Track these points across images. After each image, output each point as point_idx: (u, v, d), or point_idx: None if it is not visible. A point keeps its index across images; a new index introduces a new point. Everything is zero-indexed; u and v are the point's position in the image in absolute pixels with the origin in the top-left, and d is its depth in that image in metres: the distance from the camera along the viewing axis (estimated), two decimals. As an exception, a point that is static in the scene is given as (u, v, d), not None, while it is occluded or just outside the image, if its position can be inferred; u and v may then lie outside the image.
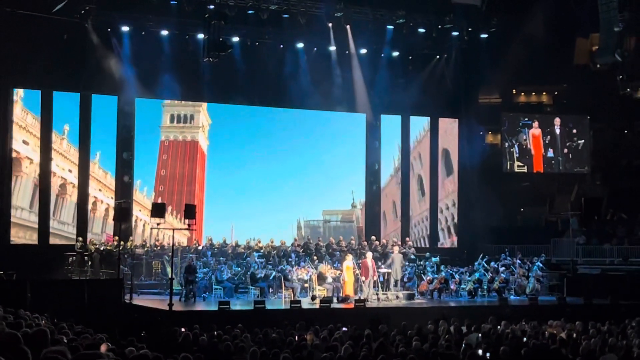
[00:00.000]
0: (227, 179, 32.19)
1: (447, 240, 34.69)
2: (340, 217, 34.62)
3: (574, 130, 36.74)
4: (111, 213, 29.12)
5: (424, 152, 34.61)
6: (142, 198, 30.56)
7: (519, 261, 28.91)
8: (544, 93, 41.66)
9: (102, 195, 29.65)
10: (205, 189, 31.99)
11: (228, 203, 31.91)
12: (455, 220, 34.64)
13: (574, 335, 16.97)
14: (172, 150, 31.61)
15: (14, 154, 27.90)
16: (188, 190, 31.68)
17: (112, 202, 29.18)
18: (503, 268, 28.22)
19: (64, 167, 28.93)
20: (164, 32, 28.93)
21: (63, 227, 28.75)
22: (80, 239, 27.04)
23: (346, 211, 34.57)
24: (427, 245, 33.71)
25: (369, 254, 25.51)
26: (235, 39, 29.20)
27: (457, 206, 34.29)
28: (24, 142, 28.20)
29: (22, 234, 28.04)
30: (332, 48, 31.18)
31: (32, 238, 27.99)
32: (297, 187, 33.03)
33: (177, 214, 30.81)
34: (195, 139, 31.93)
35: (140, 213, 30.37)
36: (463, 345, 14.45)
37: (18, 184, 28.14)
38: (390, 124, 34.03)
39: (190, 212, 22.55)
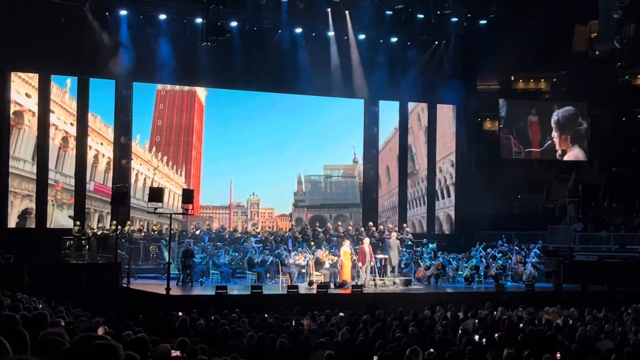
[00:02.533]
0: (225, 132, 31.80)
1: (447, 200, 34.46)
2: (342, 172, 34.29)
3: (572, 117, 36.63)
4: (100, 160, 29.10)
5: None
6: (140, 150, 30.19)
7: (516, 248, 28.98)
8: (543, 80, 41.68)
9: (90, 141, 29.17)
10: (203, 141, 31.59)
11: (227, 157, 31.59)
12: (450, 183, 34.61)
13: (570, 321, 17.06)
14: (168, 99, 31.18)
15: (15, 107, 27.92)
16: (185, 141, 31.26)
17: (101, 149, 29.16)
18: (500, 255, 28.30)
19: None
20: (162, 16, 28.76)
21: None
22: (78, 222, 26.99)
23: (348, 166, 34.19)
24: (427, 203, 33.93)
25: (366, 240, 25.56)
26: (234, 24, 29.01)
27: (455, 192, 34.22)
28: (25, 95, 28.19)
29: (17, 184, 27.85)
30: (331, 33, 31.04)
31: (28, 188, 27.84)
32: (298, 141, 32.74)
33: (174, 165, 30.65)
34: (192, 88, 31.56)
35: (134, 162, 29.95)
36: (459, 331, 14.50)
37: (20, 136, 28.05)
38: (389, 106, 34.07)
39: (188, 196, 22.54)
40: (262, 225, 31.99)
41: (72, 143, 28.81)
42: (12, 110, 27.81)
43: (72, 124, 28.86)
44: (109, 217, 28.61)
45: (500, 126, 36.22)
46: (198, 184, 30.63)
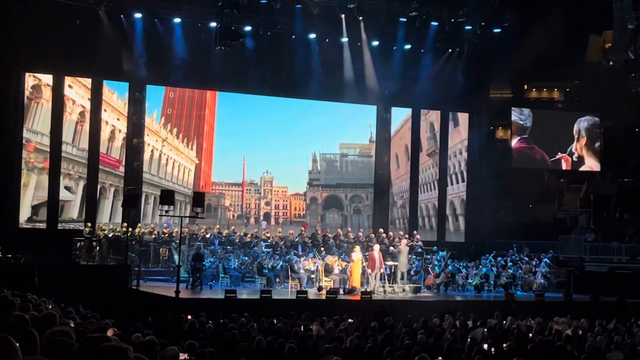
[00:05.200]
0: (239, 107, 31.50)
1: (456, 186, 34.33)
2: (358, 152, 34.10)
3: (592, 127, 36.49)
4: (104, 128, 29.07)
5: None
6: (148, 119, 29.93)
7: (526, 257, 28.90)
8: (556, 89, 41.54)
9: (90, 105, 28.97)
10: (216, 116, 31.32)
11: (240, 133, 31.33)
12: (461, 169, 34.48)
13: (580, 332, 16.99)
14: None
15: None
16: (198, 114, 31.01)
17: (104, 116, 28.96)
18: (510, 264, 28.23)
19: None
20: (177, 20, 28.88)
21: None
22: (89, 224, 27.09)
23: (364, 145, 34.03)
24: (437, 188, 34.00)
25: (376, 247, 25.55)
26: (248, 28, 29.08)
27: (466, 200, 34.21)
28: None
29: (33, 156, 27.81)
30: (344, 39, 31.05)
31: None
32: (313, 119, 32.49)
33: (184, 139, 30.47)
34: None
35: (148, 138, 29.96)
36: (468, 339, 14.46)
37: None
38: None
39: (199, 200, 22.56)
40: (276, 203, 31.84)
41: (70, 107, 28.61)
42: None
43: (70, 87, 28.66)
44: (112, 190, 28.77)
45: (525, 136, 35.92)
46: (210, 159, 30.43)
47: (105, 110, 29.14)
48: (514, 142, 35.98)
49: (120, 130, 29.41)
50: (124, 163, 29.25)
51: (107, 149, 29.18)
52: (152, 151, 29.81)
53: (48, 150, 27.97)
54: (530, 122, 35.92)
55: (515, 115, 35.85)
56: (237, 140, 31.32)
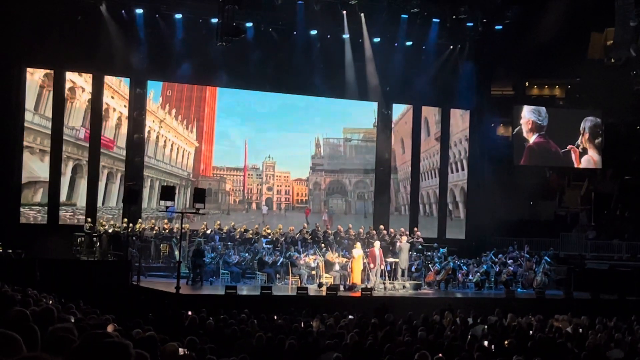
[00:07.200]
0: (241, 90, 31.18)
1: (458, 174, 34.25)
2: (362, 136, 33.87)
3: (596, 127, 36.48)
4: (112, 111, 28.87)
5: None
6: (148, 101, 29.71)
7: (527, 254, 28.87)
8: (557, 86, 41.46)
9: (83, 82, 28.78)
10: (217, 98, 31.05)
11: (242, 116, 31.08)
12: (466, 155, 34.42)
13: (580, 329, 17.01)
14: None
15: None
16: (198, 96, 30.77)
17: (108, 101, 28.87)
18: (511, 261, 28.22)
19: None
20: (178, 16, 28.88)
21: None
22: (90, 220, 27.06)
23: (368, 130, 33.76)
24: (438, 176, 33.98)
25: (377, 243, 25.53)
26: (249, 24, 29.07)
27: (467, 198, 34.20)
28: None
29: (32, 139, 27.61)
30: (346, 36, 31.04)
31: (43, 144, 27.75)
32: (316, 103, 32.22)
33: (184, 121, 30.21)
34: None
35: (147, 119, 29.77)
36: (469, 336, 14.46)
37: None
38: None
39: (199, 196, 22.56)
40: (278, 188, 31.74)
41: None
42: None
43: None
44: (105, 172, 28.76)
45: (542, 133, 35.87)
46: (211, 142, 30.14)
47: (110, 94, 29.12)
48: (533, 138, 35.87)
49: (114, 109, 29.15)
50: (125, 158, 29.20)
51: (102, 128, 28.92)
52: (149, 132, 29.59)
53: (31, 127, 27.69)
54: (546, 121, 35.91)
55: (534, 116, 35.78)
56: (239, 124, 31.14)
